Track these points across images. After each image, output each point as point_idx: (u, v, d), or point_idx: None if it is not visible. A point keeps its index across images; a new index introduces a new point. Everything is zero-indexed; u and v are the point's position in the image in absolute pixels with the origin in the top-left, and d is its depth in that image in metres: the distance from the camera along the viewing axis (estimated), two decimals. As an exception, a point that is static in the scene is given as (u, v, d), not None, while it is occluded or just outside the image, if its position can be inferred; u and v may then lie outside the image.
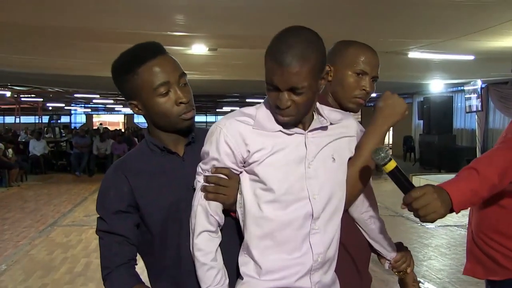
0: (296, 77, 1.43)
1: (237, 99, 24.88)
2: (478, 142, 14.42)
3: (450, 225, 7.86)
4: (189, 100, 1.64)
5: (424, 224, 7.96)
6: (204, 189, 1.57)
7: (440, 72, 12.02)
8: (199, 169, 1.60)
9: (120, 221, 1.65)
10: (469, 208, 2.16)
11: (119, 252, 1.64)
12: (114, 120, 37.64)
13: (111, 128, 24.09)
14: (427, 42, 7.35)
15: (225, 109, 33.28)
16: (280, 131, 1.54)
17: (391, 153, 1.48)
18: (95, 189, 11.57)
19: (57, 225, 8.28)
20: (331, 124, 1.62)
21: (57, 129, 21.77)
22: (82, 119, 35.58)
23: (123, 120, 36.70)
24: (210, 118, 39.48)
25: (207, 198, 1.56)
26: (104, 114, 37.82)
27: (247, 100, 23.87)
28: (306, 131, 1.57)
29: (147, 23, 6.12)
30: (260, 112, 1.57)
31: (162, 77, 1.60)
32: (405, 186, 1.54)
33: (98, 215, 1.70)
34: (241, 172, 1.58)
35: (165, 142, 1.69)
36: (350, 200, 1.69)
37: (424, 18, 5.87)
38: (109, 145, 15.60)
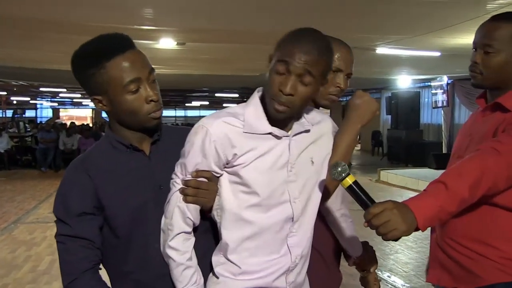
0: (313, 64, 1.43)
1: (207, 94, 24.75)
2: (444, 137, 14.69)
3: (417, 219, 7.98)
4: (158, 98, 1.56)
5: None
6: (183, 191, 1.51)
7: (407, 68, 12.20)
8: (178, 169, 1.54)
9: (84, 223, 1.55)
10: None
11: (85, 256, 1.55)
12: (82, 114, 37.04)
13: (78, 122, 23.70)
14: (395, 38, 7.44)
15: (194, 103, 33.13)
16: (270, 133, 1.52)
17: (347, 169, 1.46)
18: (61, 185, 11.35)
19: (20, 223, 8.09)
20: (312, 125, 1.62)
21: (21, 123, 21.26)
22: (48, 113, 34.89)
23: (91, 115, 36.13)
24: (179, 113, 39.29)
25: (186, 201, 1.51)
26: (72, 108, 37.16)
27: (217, 95, 23.82)
28: (291, 135, 1.56)
29: (115, 16, 6.04)
30: (249, 111, 1.53)
31: (132, 73, 1.50)
32: (365, 202, 1.46)
33: (57, 218, 1.59)
34: (221, 174, 1.54)
35: (130, 139, 1.60)
36: (325, 198, 1.70)
37: (392, 15, 5.94)
38: (76, 140, 15.34)
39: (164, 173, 1.59)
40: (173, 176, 1.55)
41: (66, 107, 36.37)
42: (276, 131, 1.52)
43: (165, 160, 1.61)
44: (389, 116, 17.04)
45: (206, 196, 1.52)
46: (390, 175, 12.41)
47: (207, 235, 1.62)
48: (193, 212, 1.52)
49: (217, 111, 1.57)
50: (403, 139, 15.75)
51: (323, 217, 1.79)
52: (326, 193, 1.69)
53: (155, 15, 6.15)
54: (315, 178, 1.63)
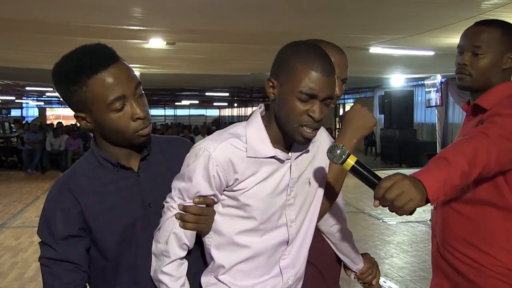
0: (333, 86, 1.45)
1: (196, 93, 24.70)
2: (438, 137, 14.72)
3: (412, 221, 7.99)
4: (146, 114, 1.50)
5: (386, 220, 8.09)
6: (182, 217, 1.47)
7: (401, 67, 12.24)
8: (175, 193, 1.49)
9: (70, 247, 1.50)
10: (430, 211, 2.13)
11: (70, 281, 1.50)
12: (69, 113, 36.77)
13: (65, 122, 23.54)
14: (389, 37, 7.44)
15: (184, 102, 33.07)
16: (275, 157, 1.49)
17: (346, 149, 1.43)
18: (47, 187, 11.26)
19: (6, 227, 8.00)
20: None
21: (6, 124, 21.07)
22: (34, 112, 34.64)
23: (78, 114, 35.81)
24: (169, 112, 39.26)
25: (185, 227, 1.47)
26: (58, 107, 36.90)
27: (207, 94, 23.76)
28: (293, 158, 1.54)
29: (101, 16, 5.97)
30: (251, 132, 1.50)
31: (116, 91, 1.44)
32: (371, 180, 1.42)
33: (42, 241, 1.54)
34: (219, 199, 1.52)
35: (117, 156, 1.56)
36: (320, 216, 1.69)
37: (386, 14, 5.93)
38: (63, 140, 15.23)
39: (154, 190, 1.56)
40: (168, 200, 1.51)
41: (52, 106, 36.11)
42: (280, 154, 1.50)
43: (155, 176, 1.57)
44: (382, 115, 17.07)
45: (206, 222, 1.49)
46: (384, 175, 12.39)
47: (196, 254, 1.59)
48: (189, 238, 1.49)
49: (217, 132, 1.53)
50: (396, 138, 15.80)
51: (321, 232, 1.78)
52: (322, 210, 1.68)
53: (143, 15, 6.09)
54: (311, 199, 1.62)
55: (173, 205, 1.49)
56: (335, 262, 1.87)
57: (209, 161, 1.44)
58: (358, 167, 1.42)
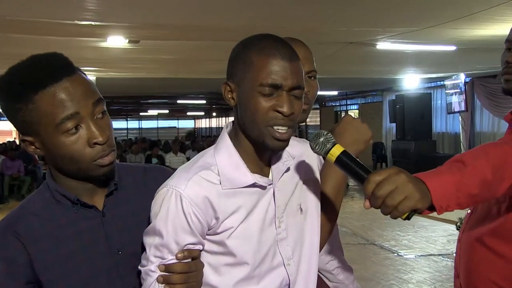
0: (300, 73, 1.47)
1: (166, 100, 24.71)
2: (463, 149, 14.82)
3: (433, 254, 8.01)
4: (107, 139, 1.48)
5: (402, 253, 8.09)
6: (167, 280, 1.43)
7: (415, 65, 12.31)
8: (150, 252, 1.45)
9: None
10: (455, 247, 2.09)
11: None
12: (5, 128, 36.46)
13: (0, 139, 23.34)
14: (400, 31, 7.49)
15: (151, 112, 33.05)
16: (255, 184, 1.49)
17: (332, 137, 1.43)
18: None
19: None
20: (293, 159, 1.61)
21: None
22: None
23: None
24: (132, 124, 39.15)
25: None
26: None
27: (179, 102, 23.76)
28: (275, 181, 1.54)
29: (46, 8, 5.95)
30: (221, 160, 1.50)
31: (68, 108, 1.42)
32: (360, 175, 1.40)
33: None
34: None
35: (77, 191, 1.53)
36: (321, 245, 1.70)
37: (396, 3, 5.98)
38: (-2, 162, 15.05)
39: (124, 233, 1.54)
40: (144, 262, 1.47)
41: (-14, 119, 35.85)
42: (260, 180, 1.50)
43: (125, 216, 1.56)
44: (394, 124, 17.16)
45: (196, 279, 1.47)
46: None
47: None
48: None
49: (182, 167, 1.53)
50: (411, 152, 15.85)
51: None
52: (323, 238, 1.69)
53: (99, 6, 6.08)
54: (307, 229, 1.63)
55: (151, 267, 1.45)
56: None
57: (182, 201, 1.42)
58: (345, 159, 1.41)
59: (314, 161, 1.71)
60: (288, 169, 1.59)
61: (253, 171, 1.50)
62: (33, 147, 1.50)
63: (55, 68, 1.45)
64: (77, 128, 1.45)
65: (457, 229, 6.62)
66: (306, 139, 1.70)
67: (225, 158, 1.50)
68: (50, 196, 1.55)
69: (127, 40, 7.83)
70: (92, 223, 1.54)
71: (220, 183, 1.46)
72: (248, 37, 1.51)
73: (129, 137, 29.75)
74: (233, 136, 1.54)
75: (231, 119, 1.58)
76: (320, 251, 1.70)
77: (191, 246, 1.45)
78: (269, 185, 1.52)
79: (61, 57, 1.49)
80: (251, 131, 1.47)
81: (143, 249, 1.48)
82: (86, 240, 1.52)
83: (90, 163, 1.48)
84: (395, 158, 17.13)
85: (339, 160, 1.41)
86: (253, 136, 1.48)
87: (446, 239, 8.74)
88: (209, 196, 1.44)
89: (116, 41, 7.79)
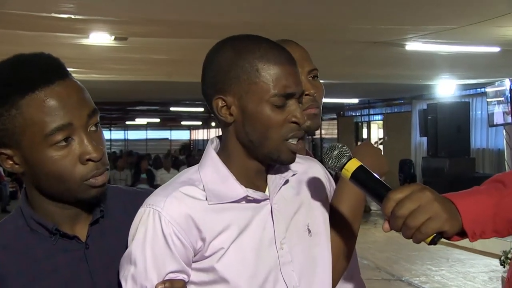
0: (300, 77, 1.55)
1: (157, 107, 24.82)
2: (508, 168, 14.76)
3: (471, 293, 7.99)
4: (102, 155, 1.48)
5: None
6: None
7: (450, 70, 12.34)
8: (128, 285, 1.45)
9: None
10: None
11: None
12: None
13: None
14: (433, 29, 7.51)
15: (139, 121, 33.16)
16: (247, 197, 1.50)
17: (348, 150, 1.45)
18: None
19: None
20: (293, 175, 1.62)
21: None
22: None
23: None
24: (117, 135, 39.20)
25: None
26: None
27: (172, 109, 23.84)
28: (274, 195, 1.56)
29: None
30: (206, 175, 1.52)
31: (60, 117, 1.42)
32: (379, 192, 1.41)
33: None
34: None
35: (56, 218, 1.52)
36: (337, 275, 1.71)
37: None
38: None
39: (110, 268, 1.53)
40: None
41: None
42: (253, 193, 1.51)
43: (112, 248, 1.55)
44: (424, 139, 17.16)
45: None
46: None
47: None
48: None
49: (163, 185, 1.55)
50: (446, 171, 15.83)
51: None
52: (339, 267, 1.70)
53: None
54: (318, 254, 1.63)
55: None
56: None
57: (161, 221, 1.44)
58: (362, 174, 1.43)
59: (322, 179, 1.72)
60: (286, 182, 1.60)
61: (246, 186, 1.52)
62: (11, 162, 1.49)
63: (46, 69, 1.45)
64: (67, 141, 1.44)
65: (501, 265, 6.59)
66: (321, 153, 1.72)
67: (211, 172, 1.53)
68: (23, 224, 1.53)
69: (113, 37, 7.89)
70: (74, 256, 1.53)
71: (206, 199, 1.48)
72: (233, 40, 1.54)
73: (113, 150, 29.73)
74: (222, 154, 1.55)
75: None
76: (336, 283, 1.71)
77: (172, 276, 1.45)
78: (265, 200, 1.53)
79: (51, 57, 1.50)
80: (262, 148, 1.49)
81: None
82: (66, 276, 1.51)
83: (81, 183, 1.47)
84: (426, 178, 17.08)
85: (355, 176, 1.43)
86: (265, 152, 1.50)
87: (487, 275, 8.70)
88: (192, 214, 1.46)
89: (100, 37, 7.86)
